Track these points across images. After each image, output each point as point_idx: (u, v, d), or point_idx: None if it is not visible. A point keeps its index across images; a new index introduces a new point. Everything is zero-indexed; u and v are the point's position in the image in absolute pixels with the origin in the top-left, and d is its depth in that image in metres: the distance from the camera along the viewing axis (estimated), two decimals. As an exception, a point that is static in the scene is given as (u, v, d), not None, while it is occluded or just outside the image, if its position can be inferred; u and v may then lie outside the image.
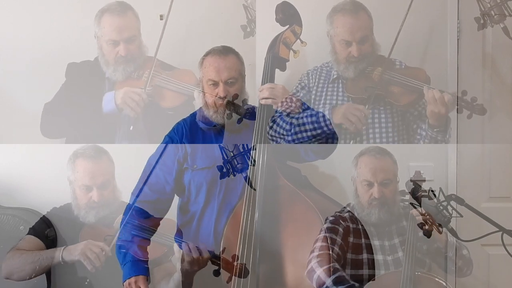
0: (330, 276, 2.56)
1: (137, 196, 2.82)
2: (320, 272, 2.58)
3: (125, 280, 2.72)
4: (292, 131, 2.69)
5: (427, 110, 2.79)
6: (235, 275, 2.66)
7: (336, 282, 2.55)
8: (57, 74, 3.09)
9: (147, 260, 2.76)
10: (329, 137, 2.72)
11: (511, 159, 3.17)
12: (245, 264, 2.67)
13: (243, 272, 2.66)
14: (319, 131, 2.64)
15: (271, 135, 2.76)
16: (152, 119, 3.01)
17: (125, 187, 2.91)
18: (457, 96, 2.79)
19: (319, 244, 2.67)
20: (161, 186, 2.85)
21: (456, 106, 2.80)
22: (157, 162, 2.84)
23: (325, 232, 2.70)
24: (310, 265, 2.62)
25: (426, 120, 2.82)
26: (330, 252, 2.65)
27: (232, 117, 2.74)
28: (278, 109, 2.78)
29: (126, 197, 2.90)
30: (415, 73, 2.90)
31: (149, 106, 3.00)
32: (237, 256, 2.67)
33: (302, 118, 2.70)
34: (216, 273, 2.65)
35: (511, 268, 3.01)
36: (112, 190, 2.91)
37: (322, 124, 2.62)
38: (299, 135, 2.68)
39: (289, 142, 2.72)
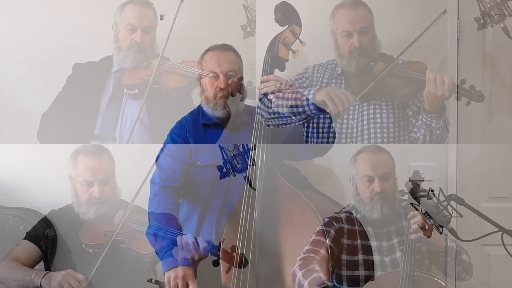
0: (307, 279, 2.57)
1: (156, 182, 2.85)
2: (300, 276, 2.60)
3: (168, 270, 2.66)
4: (275, 104, 2.69)
5: (424, 91, 2.76)
6: (234, 266, 2.67)
7: (311, 283, 2.56)
8: (58, 74, 3.10)
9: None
10: (310, 117, 2.69)
11: (511, 159, 3.17)
12: (244, 254, 2.68)
13: (243, 263, 2.67)
14: (300, 109, 2.63)
15: (258, 107, 2.78)
16: (157, 110, 3.04)
17: (126, 186, 2.92)
18: (457, 85, 2.78)
19: (306, 247, 2.69)
20: (174, 172, 2.87)
21: (456, 95, 2.77)
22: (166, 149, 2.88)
23: (316, 235, 2.72)
24: (293, 267, 2.65)
25: (422, 105, 2.81)
26: (314, 255, 2.66)
27: (235, 95, 2.79)
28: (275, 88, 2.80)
29: (125, 196, 2.92)
30: (415, 66, 2.89)
31: (155, 95, 3.05)
32: (236, 247, 2.68)
33: (287, 93, 2.70)
34: (216, 263, 2.65)
35: (511, 268, 3.00)
36: (112, 187, 2.93)
37: (305, 102, 2.61)
38: (280, 109, 2.67)
39: (270, 115, 2.70)
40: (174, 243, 2.68)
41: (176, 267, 2.65)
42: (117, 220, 2.86)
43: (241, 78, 2.83)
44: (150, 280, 2.73)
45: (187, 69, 3.04)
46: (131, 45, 3.04)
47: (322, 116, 2.78)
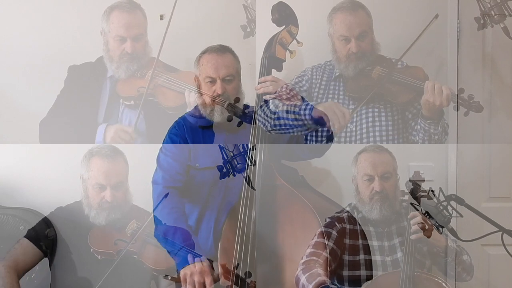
0: (311, 283, 2.57)
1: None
2: (304, 280, 2.61)
3: (184, 267, 2.64)
4: (276, 116, 2.68)
5: (422, 99, 2.79)
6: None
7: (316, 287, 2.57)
8: (58, 74, 3.09)
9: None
10: (309, 130, 2.68)
11: (511, 159, 3.17)
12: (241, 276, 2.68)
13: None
14: (299, 122, 2.62)
15: (259, 115, 2.77)
16: (154, 118, 3.01)
17: (135, 189, 2.91)
18: (457, 95, 2.79)
19: (308, 250, 2.70)
20: (176, 173, 2.85)
21: (455, 104, 2.80)
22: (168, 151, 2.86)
23: (317, 238, 2.72)
24: (296, 272, 2.65)
25: (420, 111, 2.82)
26: (317, 258, 2.66)
27: (232, 119, 2.74)
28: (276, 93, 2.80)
29: (137, 201, 2.90)
30: (413, 72, 2.90)
31: (151, 105, 3.01)
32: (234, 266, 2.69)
33: (288, 105, 2.68)
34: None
35: (511, 268, 3.01)
36: (124, 192, 2.88)
37: (303, 116, 2.60)
38: (281, 121, 2.66)
39: (272, 127, 2.70)
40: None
41: (192, 263, 2.64)
42: (129, 230, 2.84)
43: (238, 99, 2.78)
44: (166, 277, 2.69)
45: (183, 85, 2.98)
46: (122, 55, 2.97)
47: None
